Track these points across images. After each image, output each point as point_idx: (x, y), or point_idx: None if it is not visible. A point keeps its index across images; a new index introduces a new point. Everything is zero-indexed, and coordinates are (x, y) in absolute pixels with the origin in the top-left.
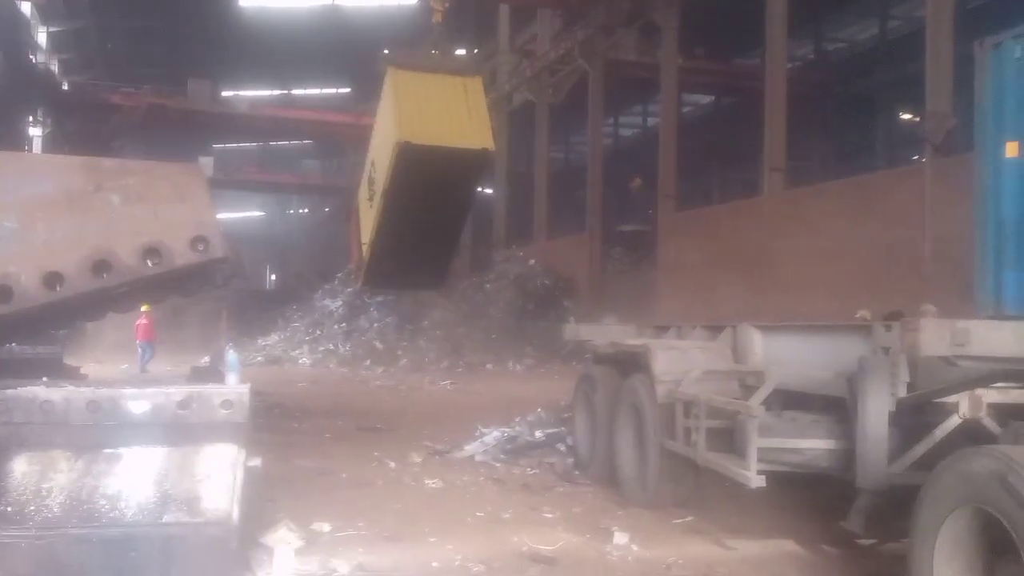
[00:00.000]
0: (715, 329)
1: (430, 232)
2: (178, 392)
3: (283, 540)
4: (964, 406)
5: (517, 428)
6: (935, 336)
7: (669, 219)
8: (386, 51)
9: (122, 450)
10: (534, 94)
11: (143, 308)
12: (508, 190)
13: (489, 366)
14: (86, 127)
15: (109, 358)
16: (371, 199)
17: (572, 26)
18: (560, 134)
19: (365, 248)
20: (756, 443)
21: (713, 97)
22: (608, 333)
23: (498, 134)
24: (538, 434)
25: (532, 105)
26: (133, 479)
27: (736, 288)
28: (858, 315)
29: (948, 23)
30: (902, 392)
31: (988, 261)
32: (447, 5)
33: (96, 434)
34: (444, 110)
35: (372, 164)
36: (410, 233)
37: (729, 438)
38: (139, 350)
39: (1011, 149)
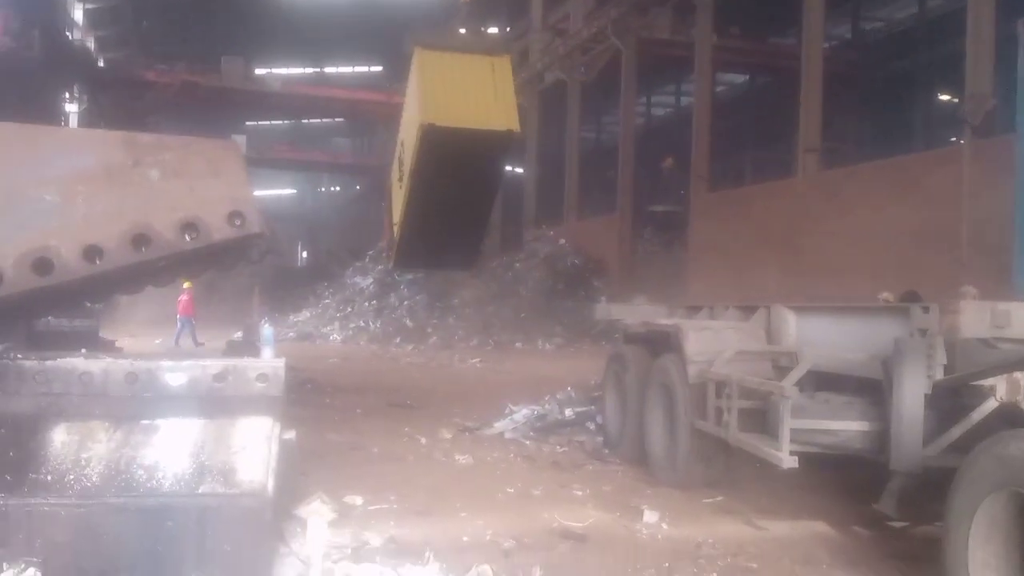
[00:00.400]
0: (748, 310)
1: (458, 213)
2: (214, 365)
3: (316, 512)
4: (1002, 389)
5: (547, 406)
6: (975, 318)
7: (701, 200)
8: (413, 31)
9: (159, 421)
10: (566, 73)
11: (185, 284)
12: (539, 169)
13: (519, 345)
14: (121, 104)
15: (143, 332)
16: (400, 179)
17: (605, 4)
18: (592, 113)
19: (395, 228)
20: (789, 424)
21: (748, 77)
22: (639, 313)
23: (529, 113)
24: (568, 412)
25: (564, 84)
26: (170, 450)
27: (769, 269)
28: (881, 297)
29: (989, 2)
30: (939, 374)
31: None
32: None
33: (134, 405)
34: (470, 91)
35: (401, 144)
36: (438, 214)
37: (761, 419)
38: (178, 324)
39: None
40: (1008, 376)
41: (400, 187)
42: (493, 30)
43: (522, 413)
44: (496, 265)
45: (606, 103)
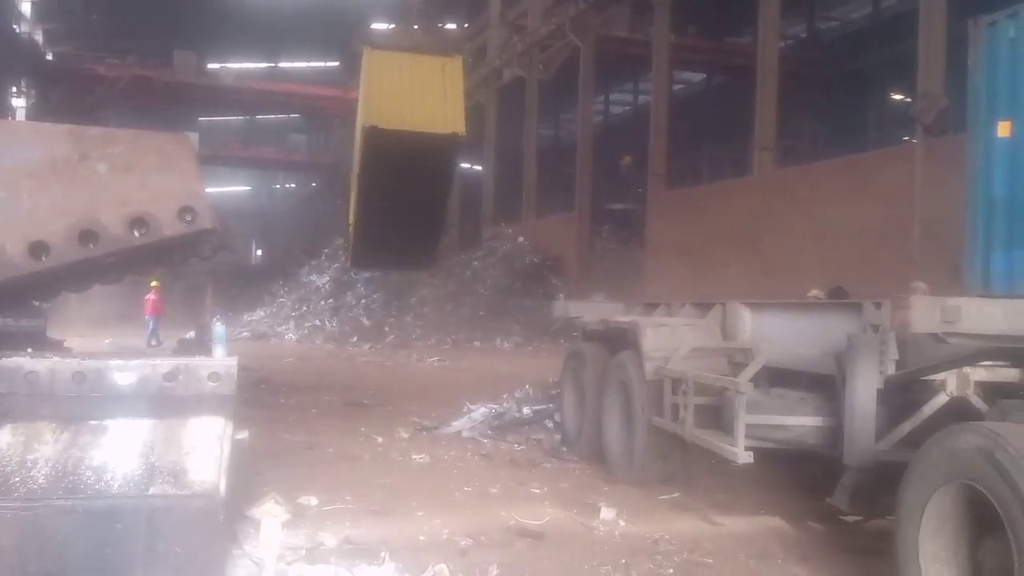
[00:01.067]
0: (704, 307)
1: (410, 214)
2: (165, 364)
3: (270, 513)
4: (952, 384)
5: (505, 405)
6: (925, 314)
7: (659, 198)
8: (362, 30)
9: (108, 422)
10: (524, 70)
11: (152, 283)
12: (497, 167)
13: (477, 343)
14: (70, 98)
15: (93, 331)
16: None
17: (563, 2)
18: (550, 111)
19: (350, 228)
20: (744, 420)
21: (705, 75)
22: (597, 310)
23: (487, 110)
24: (526, 411)
25: (522, 81)
26: (119, 451)
27: (726, 267)
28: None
29: (941, 2)
30: (890, 370)
31: (978, 240)
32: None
33: (82, 405)
34: (417, 92)
35: (356, 144)
36: (389, 215)
37: (717, 415)
38: (149, 324)
39: (1003, 129)
40: (958, 371)
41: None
42: (451, 26)
43: (480, 412)
44: (454, 263)
45: (564, 101)
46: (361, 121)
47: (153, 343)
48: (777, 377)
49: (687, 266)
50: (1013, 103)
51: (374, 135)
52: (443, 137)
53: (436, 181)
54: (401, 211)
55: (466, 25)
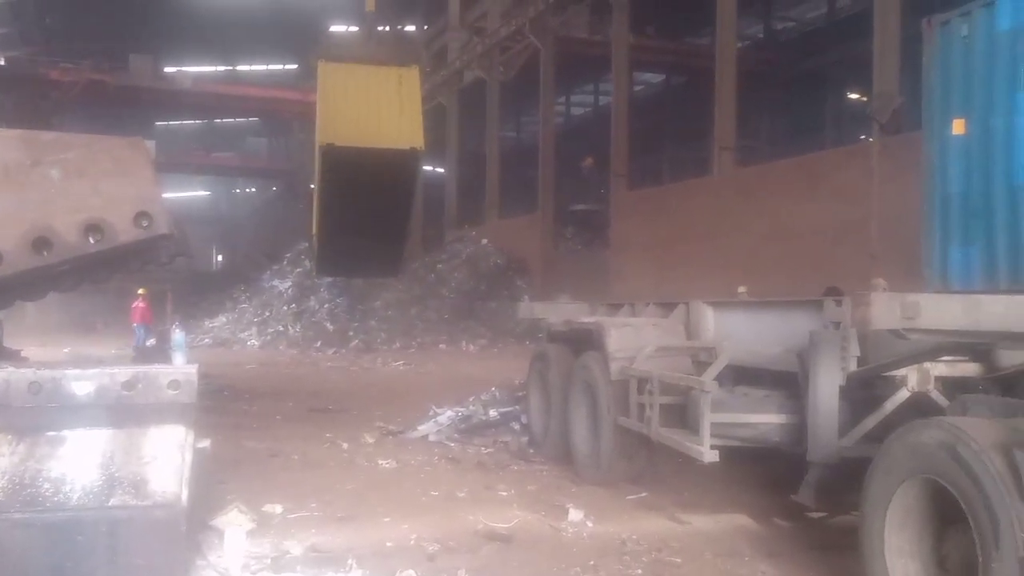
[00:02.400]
0: (668, 306)
1: (373, 225)
2: (123, 372)
3: (234, 522)
4: (913, 379)
5: (471, 407)
6: (885, 309)
7: (621, 198)
8: (316, 43)
9: (66, 432)
10: (485, 71)
11: (139, 291)
12: (459, 169)
13: (442, 346)
14: (24, 103)
15: (52, 340)
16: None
17: (523, 3)
18: (511, 112)
19: (312, 238)
20: (709, 418)
21: (664, 76)
22: (562, 311)
23: (448, 112)
24: (492, 413)
25: (483, 83)
26: (78, 462)
27: (688, 266)
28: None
29: (895, 2)
30: (852, 366)
31: (935, 237)
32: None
33: (38, 416)
34: (373, 105)
35: (315, 156)
36: (351, 227)
37: (682, 414)
38: (135, 332)
39: (957, 126)
40: (919, 366)
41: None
42: (410, 28)
43: (446, 415)
44: (418, 267)
45: (526, 102)
46: (318, 139)
47: (149, 344)
48: (741, 375)
49: (651, 266)
50: (967, 101)
51: (331, 153)
52: (402, 152)
53: (397, 194)
54: (364, 223)
55: (425, 27)
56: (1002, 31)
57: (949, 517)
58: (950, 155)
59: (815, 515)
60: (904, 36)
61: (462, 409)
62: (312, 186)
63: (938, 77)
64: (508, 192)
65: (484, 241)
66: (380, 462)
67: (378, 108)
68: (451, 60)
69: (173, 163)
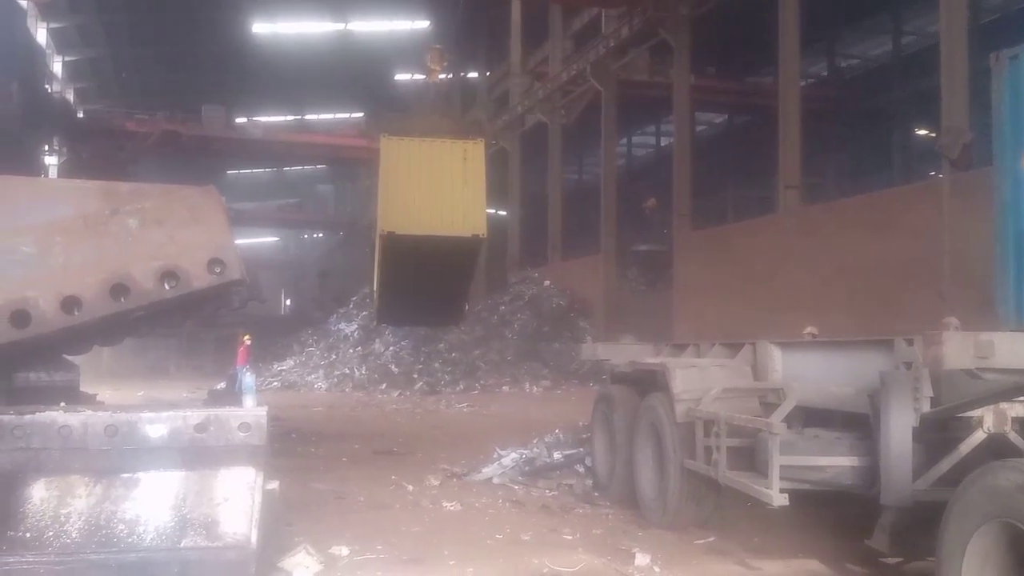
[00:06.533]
0: (734, 347)
1: (434, 292)
2: (195, 415)
3: (301, 564)
4: (989, 420)
5: (535, 450)
6: (958, 349)
7: (684, 238)
8: (380, 116)
9: (140, 474)
10: (546, 115)
11: (245, 337)
12: (522, 211)
13: (505, 388)
14: (100, 154)
15: (126, 384)
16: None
17: (583, 47)
18: (573, 155)
19: (374, 293)
20: (778, 461)
21: (726, 116)
22: (625, 352)
23: (511, 156)
24: (556, 455)
25: (545, 126)
26: (151, 503)
27: (753, 306)
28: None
29: (962, 37)
30: (926, 407)
31: (1009, 274)
32: (445, 64)
33: (114, 459)
34: (436, 185)
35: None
36: (413, 293)
37: (750, 457)
38: (237, 376)
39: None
40: (995, 407)
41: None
42: (473, 74)
43: (510, 457)
44: (481, 309)
45: (587, 144)
46: (380, 224)
47: (248, 377)
48: (810, 417)
49: (715, 306)
50: None
51: (393, 240)
52: (464, 240)
53: (458, 275)
54: (424, 291)
55: (487, 73)
56: None
57: None
58: (1022, 190)
59: (890, 560)
60: (972, 70)
61: (526, 451)
62: (375, 257)
63: (1007, 111)
64: (571, 234)
65: (547, 283)
66: (445, 504)
67: (440, 188)
68: (513, 105)
69: (242, 216)
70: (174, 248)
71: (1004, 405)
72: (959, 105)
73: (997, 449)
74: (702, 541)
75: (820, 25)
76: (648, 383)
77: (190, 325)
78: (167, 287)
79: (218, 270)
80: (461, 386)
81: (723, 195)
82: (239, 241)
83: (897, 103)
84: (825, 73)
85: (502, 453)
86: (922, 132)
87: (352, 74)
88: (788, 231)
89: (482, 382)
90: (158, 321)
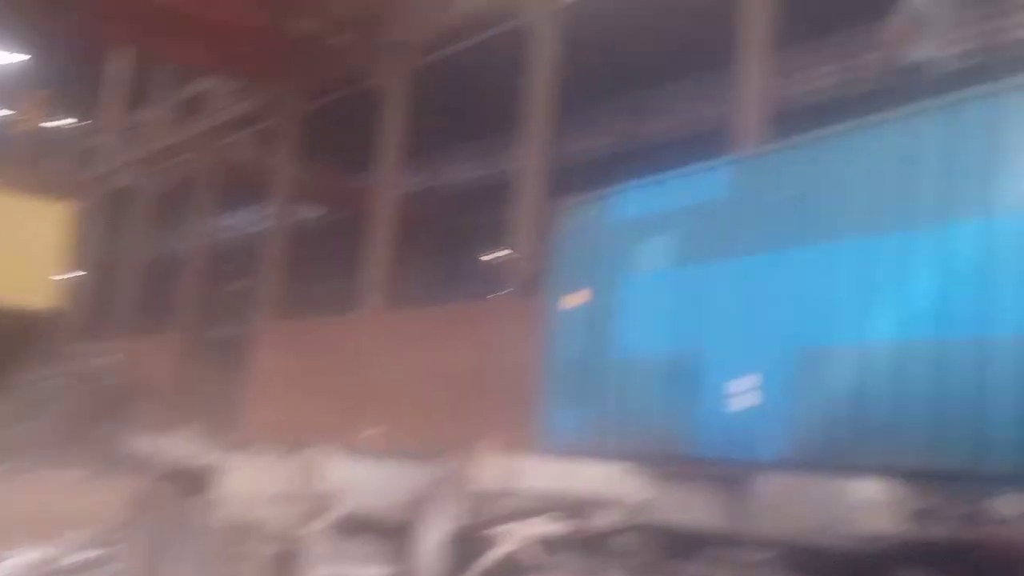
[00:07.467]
0: (290, 450)
1: None
2: None
3: None
4: (512, 537)
5: (59, 548)
6: (493, 470)
7: (266, 328)
8: None
9: None
10: (137, 179)
11: None
12: (92, 278)
13: (41, 473)
14: None
15: None
16: None
17: (189, 117)
18: (160, 225)
19: None
20: (318, 571)
21: (326, 210)
22: (176, 447)
23: (93, 216)
24: (84, 555)
25: (133, 190)
26: None
27: (330, 405)
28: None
29: (540, 180)
30: (459, 522)
31: (548, 399)
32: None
33: None
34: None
35: None
36: None
37: (291, 567)
38: None
39: (566, 300)
40: (519, 524)
41: None
42: (70, 120)
43: (24, 557)
44: (27, 381)
45: (177, 217)
46: None
47: None
48: (361, 525)
49: (290, 400)
50: (584, 277)
51: None
52: (29, 311)
53: (14, 342)
54: None
55: (80, 123)
56: (610, 221)
57: None
58: (566, 324)
59: None
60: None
61: (47, 550)
62: None
63: (563, 253)
64: (150, 309)
65: (109, 358)
66: None
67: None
68: (101, 163)
69: None
70: None
71: (528, 522)
72: (528, 236)
73: (511, 567)
74: None
75: (426, 139)
76: (195, 482)
77: None
78: None
79: None
80: None
81: (312, 287)
82: None
83: (484, 225)
84: (421, 187)
85: (8, 553)
86: (502, 253)
87: None
88: (371, 332)
89: (4, 466)
90: None
